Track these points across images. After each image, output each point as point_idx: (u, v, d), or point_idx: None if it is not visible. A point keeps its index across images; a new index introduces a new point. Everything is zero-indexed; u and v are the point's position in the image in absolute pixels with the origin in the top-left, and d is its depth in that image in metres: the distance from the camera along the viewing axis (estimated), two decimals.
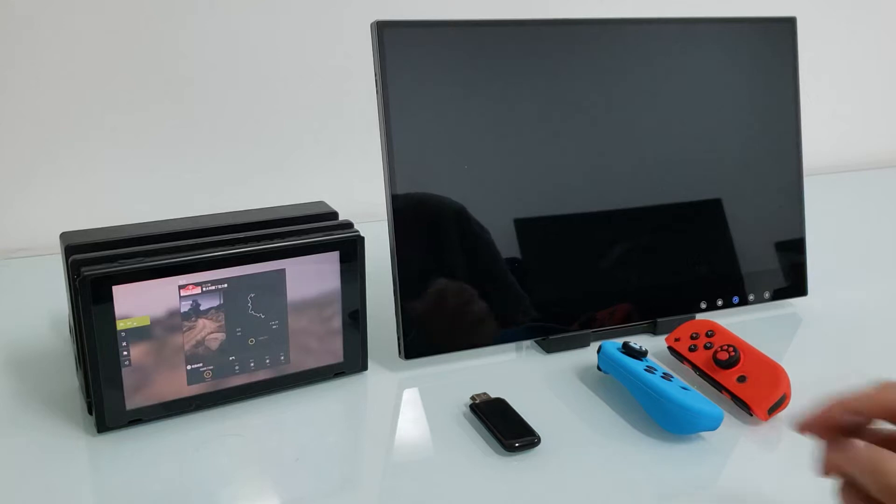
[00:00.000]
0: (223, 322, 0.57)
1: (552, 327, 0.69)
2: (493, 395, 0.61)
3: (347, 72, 0.99)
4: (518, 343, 0.70)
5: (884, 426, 0.41)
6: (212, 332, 0.57)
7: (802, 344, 0.74)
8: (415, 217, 0.65)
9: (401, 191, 0.64)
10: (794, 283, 0.78)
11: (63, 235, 0.57)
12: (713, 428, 0.56)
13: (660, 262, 0.73)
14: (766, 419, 0.59)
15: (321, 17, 0.98)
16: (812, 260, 0.79)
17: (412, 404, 0.63)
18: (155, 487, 0.51)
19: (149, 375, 0.55)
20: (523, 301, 0.69)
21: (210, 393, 0.58)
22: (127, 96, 0.93)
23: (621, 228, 0.72)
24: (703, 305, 0.75)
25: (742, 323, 0.73)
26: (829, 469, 0.40)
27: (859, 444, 0.40)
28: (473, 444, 0.56)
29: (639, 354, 0.61)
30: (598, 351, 0.64)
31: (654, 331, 0.73)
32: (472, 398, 0.60)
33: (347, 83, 0.99)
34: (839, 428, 0.41)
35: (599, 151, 0.71)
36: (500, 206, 0.68)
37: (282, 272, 0.58)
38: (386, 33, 0.63)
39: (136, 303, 0.53)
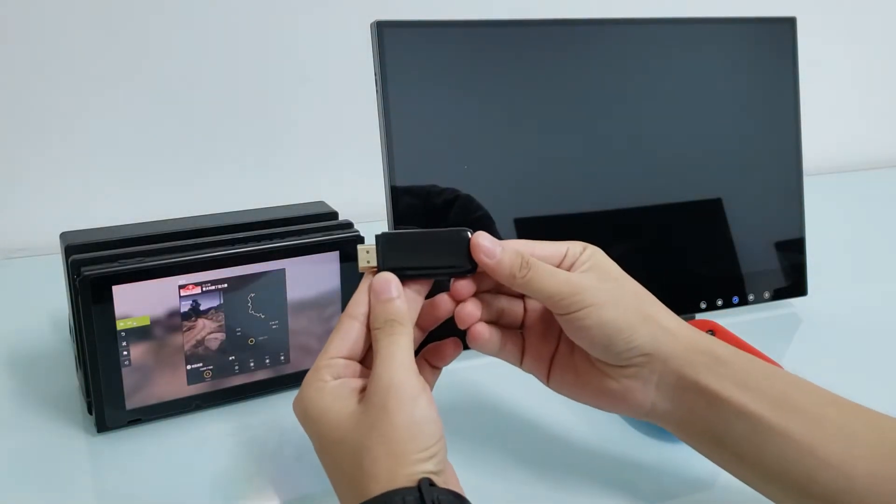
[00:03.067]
0: (223, 322, 0.57)
1: None
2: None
3: (347, 72, 0.99)
4: None
5: None
6: (212, 332, 0.57)
7: (802, 344, 0.74)
8: (415, 217, 0.65)
9: (401, 190, 0.64)
10: (794, 283, 0.78)
11: (63, 235, 0.57)
12: None
13: (660, 262, 0.73)
14: None
15: (321, 17, 0.98)
16: (812, 260, 0.79)
17: None
18: (155, 487, 0.51)
19: (149, 375, 0.55)
20: None
21: (210, 393, 0.58)
22: (127, 96, 0.93)
23: (621, 228, 0.72)
24: (703, 305, 0.74)
25: (742, 323, 0.73)
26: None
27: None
28: (472, 444, 0.56)
29: None
30: None
31: None
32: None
33: (347, 83, 0.99)
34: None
35: (599, 151, 0.71)
36: (500, 205, 0.68)
37: (282, 272, 0.58)
38: (386, 33, 0.63)
39: (136, 303, 0.53)
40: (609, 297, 0.45)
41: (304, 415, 0.43)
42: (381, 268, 0.45)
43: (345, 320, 0.44)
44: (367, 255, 0.46)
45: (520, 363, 0.50)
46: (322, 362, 0.43)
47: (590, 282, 0.46)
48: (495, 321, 0.49)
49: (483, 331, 0.48)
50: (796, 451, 0.42)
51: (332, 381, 0.42)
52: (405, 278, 0.45)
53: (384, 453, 0.39)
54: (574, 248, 0.48)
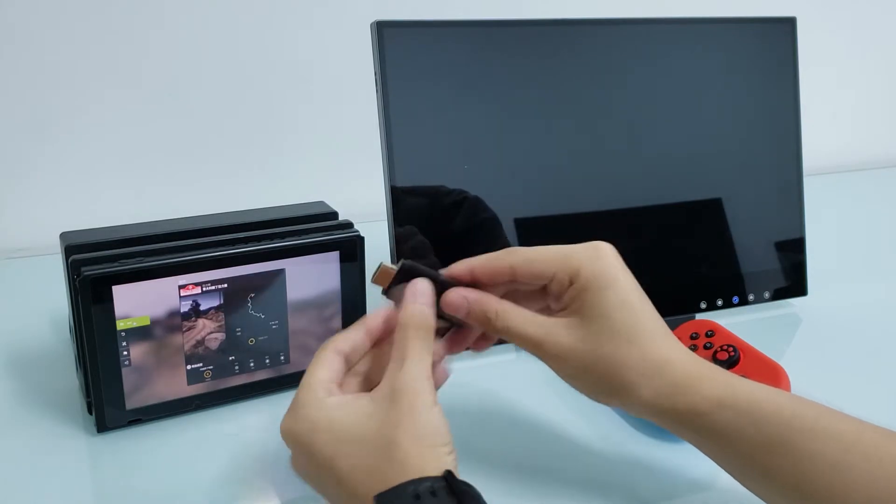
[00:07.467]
0: (223, 322, 0.57)
1: None
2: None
3: (347, 72, 0.99)
4: None
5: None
6: (212, 332, 0.57)
7: (802, 344, 0.74)
8: (415, 216, 0.65)
9: (401, 190, 0.64)
10: (794, 283, 0.78)
11: (63, 235, 0.57)
12: None
13: (660, 262, 0.73)
14: None
15: (321, 18, 0.98)
16: (812, 260, 0.79)
17: None
18: (155, 487, 0.51)
19: (149, 375, 0.55)
20: None
21: (210, 393, 0.58)
22: (127, 96, 0.93)
23: (621, 228, 0.72)
24: (703, 305, 0.74)
25: (742, 323, 0.73)
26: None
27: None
28: (471, 444, 0.56)
29: None
30: None
31: None
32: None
33: (347, 83, 0.99)
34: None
35: (599, 151, 0.71)
36: (500, 205, 0.68)
37: (282, 272, 0.58)
38: (386, 33, 0.63)
39: (136, 303, 0.53)
40: (577, 368, 0.46)
41: (311, 428, 0.42)
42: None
43: (330, 354, 0.45)
44: (388, 271, 0.48)
45: None
46: (313, 380, 0.44)
47: (562, 344, 0.45)
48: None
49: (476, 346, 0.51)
50: (786, 490, 0.42)
51: (328, 397, 0.43)
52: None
53: (416, 447, 0.40)
54: (562, 277, 0.46)
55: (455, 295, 0.47)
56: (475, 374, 0.65)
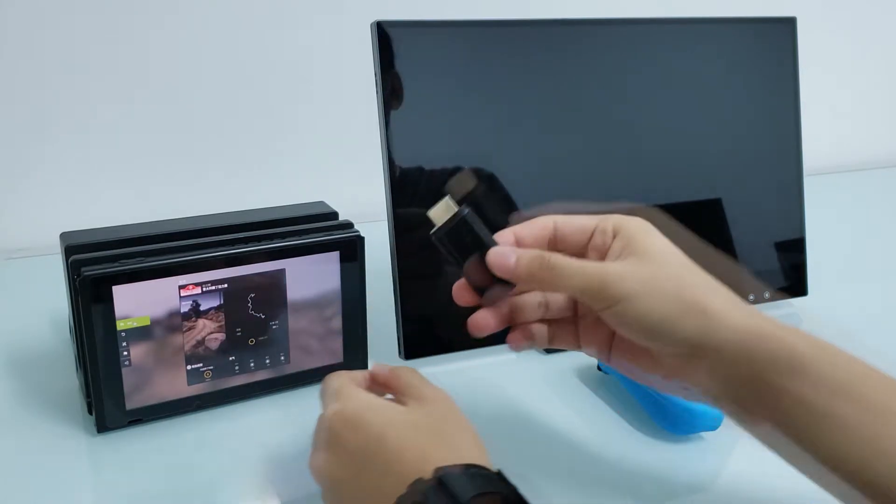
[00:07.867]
0: (223, 322, 0.57)
1: None
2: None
3: (347, 72, 0.99)
4: None
5: None
6: (212, 332, 0.57)
7: None
8: (415, 216, 0.65)
9: (401, 190, 0.64)
10: (794, 283, 0.78)
11: (63, 235, 0.57)
12: (713, 428, 0.56)
13: None
14: None
15: (321, 18, 0.98)
16: (812, 260, 0.79)
17: None
18: (155, 487, 0.51)
19: (149, 375, 0.55)
20: None
21: (210, 393, 0.58)
22: (127, 96, 0.93)
23: None
24: None
25: None
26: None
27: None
28: None
29: None
30: None
31: None
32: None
33: (347, 83, 0.99)
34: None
35: (599, 151, 0.71)
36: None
37: (282, 272, 0.58)
38: (386, 33, 0.63)
39: (136, 303, 0.53)
40: (642, 287, 0.43)
41: (366, 406, 0.45)
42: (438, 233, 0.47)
43: (346, 377, 0.49)
44: (448, 209, 0.47)
45: (577, 348, 0.50)
46: (349, 380, 0.48)
47: (620, 271, 0.44)
48: (542, 315, 0.50)
49: (517, 339, 0.50)
50: (854, 440, 0.40)
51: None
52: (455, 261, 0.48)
53: (467, 439, 0.43)
54: (604, 225, 0.47)
55: (502, 248, 0.47)
56: (475, 374, 0.65)
